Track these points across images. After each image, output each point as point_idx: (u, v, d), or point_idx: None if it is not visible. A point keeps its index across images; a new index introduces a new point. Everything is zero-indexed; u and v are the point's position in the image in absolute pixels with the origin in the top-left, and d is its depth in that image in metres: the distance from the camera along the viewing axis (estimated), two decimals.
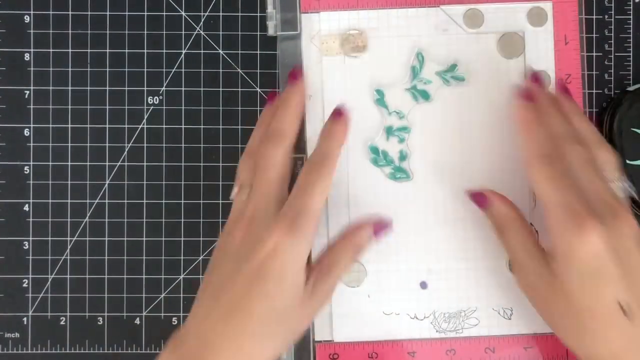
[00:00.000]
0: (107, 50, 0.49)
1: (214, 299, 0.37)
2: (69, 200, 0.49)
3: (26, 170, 0.49)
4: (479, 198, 0.43)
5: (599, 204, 0.36)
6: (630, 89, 0.47)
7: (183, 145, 0.49)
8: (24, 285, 0.48)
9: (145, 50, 0.49)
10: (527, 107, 0.41)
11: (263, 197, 0.40)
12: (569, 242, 0.36)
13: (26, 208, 0.49)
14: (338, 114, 0.43)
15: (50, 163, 0.49)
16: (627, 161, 0.45)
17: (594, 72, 0.48)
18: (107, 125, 0.49)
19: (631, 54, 0.48)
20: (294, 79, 0.44)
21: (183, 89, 0.49)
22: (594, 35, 0.48)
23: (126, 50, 0.49)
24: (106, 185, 0.49)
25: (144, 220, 0.49)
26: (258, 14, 0.48)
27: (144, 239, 0.48)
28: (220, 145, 0.49)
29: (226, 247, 0.39)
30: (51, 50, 0.49)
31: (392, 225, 0.43)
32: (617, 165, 0.40)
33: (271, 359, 0.38)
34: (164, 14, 0.49)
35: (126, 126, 0.49)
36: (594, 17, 0.48)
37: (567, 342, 0.39)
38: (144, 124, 0.49)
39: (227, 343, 0.36)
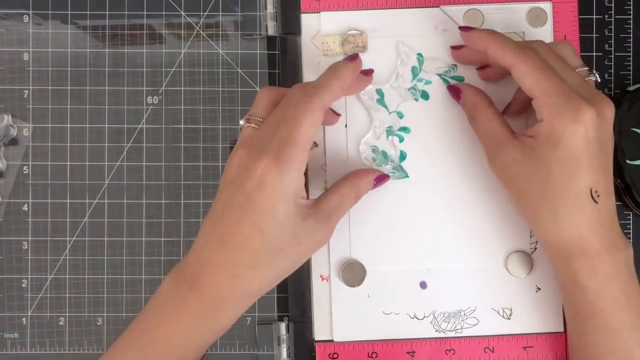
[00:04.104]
0: (107, 50, 0.49)
1: (211, 228, 0.39)
2: (68, 200, 0.48)
3: (25, 170, 0.48)
4: (453, 90, 0.45)
5: (581, 90, 0.38)
6: (630, 89, 0.47)
7: (182, 145, 0.49)
8: (23, 285, 0.48)
9: (144, 50, 0.49)
10: (484, 30, 0.42)
11: (270, 131, 0.38)
12: (564, 126, 0.37)
13: (25, 208, 0.48)
14: (352, 57, 0.42)
15: (50, 163, 0.49)
16: (627, 161, 0.45)
17: (593, 72, 0.48)
18: (107, 125, 0.49)
19: (631, 54, 0.48)
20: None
21: (182, 88, 0.49)
22: (594, 35, 0.48)
23: (125, 50, 0.49)
24: (105, 185, 0.49)
25: (144, 220, 0.48)
26: (258, 14, 0.48)
27: (144, 239, 0.48)
28: (220, 145, 0.48)
29: (226, 175, 0.39)
30: (50, 50, 0.49)
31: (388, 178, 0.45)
32: (575, 54, 0.42)
33: (264, 288, 0.40)
34: (164, 13, 0.48)
35: (125, 126, 0.49)
36: (594, 17, 0.48)
37: (537, 225, 0.40)
38: (143, 124, 0.49)
39: (220, 271, 0.38)
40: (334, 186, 0.42)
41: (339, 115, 0.46)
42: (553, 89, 0.38)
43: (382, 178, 0.44)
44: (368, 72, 0.44)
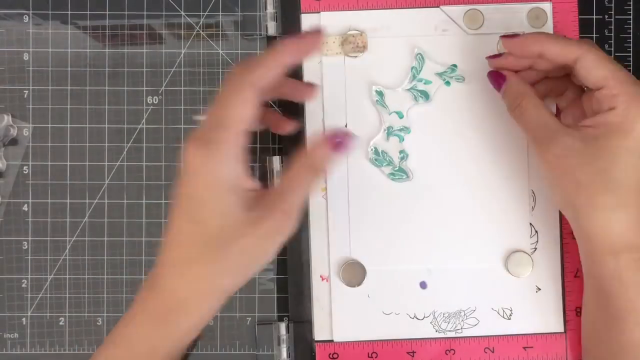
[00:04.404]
0: (107, 50, 0.49)
1: (168, 227, 0.37)
2: (68, 200, 0.48)
3: (25, 170, 0.48)
4: (495, 77, 0.43)
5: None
6: None
7: (182, 145, 0.49)
8: (23, 285, 0.48)
9: (144, 50, 0.49)
10: (533, 33, 0.42)
11: (208, 119, 0.36)
12: (636, 116, 0.37)
13: (25, 208, 0.48)
14: (303, 34, 0.39)
15: (50, 163, 0.49)
16: None
17: None
18: (107, 125, 0.49)
19: (631, 54, 0.48)
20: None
21: (182, 88, 0.49)
22: (594, 35, 0.48)
23: (125, 50, 0.49)
24: (105, 185, 0.49)
25: (144, 220, 0.48)
26: (258, 14, 0.48)
27: (143, 239, 0.48)
28: None
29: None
30: (50, 50, 0.49)
31: (354, 137, 0.38)
32: None
33: (226, 287, 0.37)
34: (164, 13, 0.48)
35: (125, 126, 0.49)
36: (594, 17, 0.48)
37: (590, 216, 0.39)
38: (143, 124, 0.49)
39: (168, 270, 0.36)
40: (287, 175, 0.37)
41: (313, 85, 0.43)
42: (624, 78, 0.38)
43: (340, 144, 0.37)
44: (315, 34, 0.38)
